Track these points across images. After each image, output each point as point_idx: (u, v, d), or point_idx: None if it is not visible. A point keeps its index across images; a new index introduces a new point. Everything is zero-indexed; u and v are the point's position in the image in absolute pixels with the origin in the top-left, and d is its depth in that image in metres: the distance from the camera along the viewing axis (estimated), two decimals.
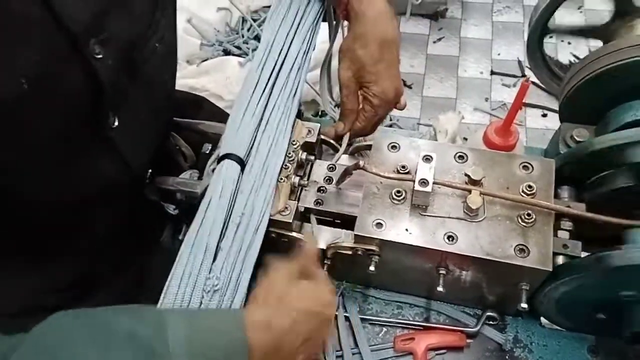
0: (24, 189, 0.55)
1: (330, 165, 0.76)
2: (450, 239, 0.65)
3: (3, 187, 0.52)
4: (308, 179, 0.75)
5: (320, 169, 0.77)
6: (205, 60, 1.89)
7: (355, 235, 0.67)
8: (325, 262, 0.71)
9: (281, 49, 0.75)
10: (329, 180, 0.75)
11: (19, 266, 0.64)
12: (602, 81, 0.72)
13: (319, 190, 0.74)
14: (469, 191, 0.66)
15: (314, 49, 0.80)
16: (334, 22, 0.85)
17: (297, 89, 0.75)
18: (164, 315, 0.48)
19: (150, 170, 0.74)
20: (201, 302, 0.56)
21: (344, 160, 0.79)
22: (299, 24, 0.78)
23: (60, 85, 0.52)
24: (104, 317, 0.47)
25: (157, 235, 0.82)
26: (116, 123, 0.61)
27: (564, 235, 0.67)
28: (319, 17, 0.80)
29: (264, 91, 0.71)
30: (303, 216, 0.73)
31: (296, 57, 0.75)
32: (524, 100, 0.74)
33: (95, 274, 0.70)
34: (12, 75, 0.46)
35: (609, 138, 0.65)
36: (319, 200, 0.74)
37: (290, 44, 0.76)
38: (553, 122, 2.07)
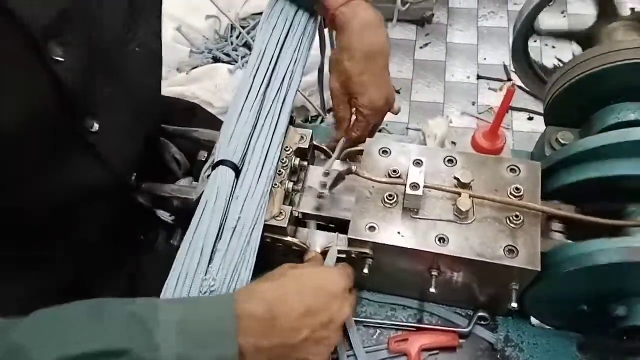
0: (2, 195, 0.54)
1: (325, 172, 0.77)
2: (442, 241, 0.66)
3: None
4: (303, 185, 0.76)
5: (314, 175, 0.78)
6: (195, 67, 1.90)
7: (349, 238, 0.68)
8: None
9: (272, 57, 0.76)
10: (324, 186, 0.76)
11: (3, 272, 0.63)
12: (585, 86, 0.74)
13: (318, 196, 0.75)
14: (459, 194, 0.67)
15: (307, 58, 0.81)
16: (324, 32, 0.87)
17: (289, 96, 0.75)
18: (157, 300, 0.53)
19: (135, 174, 0.73)
20: None
21: (336, 165, 0.80)
22: (288, 32, 0.79)
23: (24, 89, 0.51)
24: (100, 300, 0.51)
25: (151, 241, 0.82)
26: (96, 127, 0.61)
27: (557, 237, 0.69)
28: (310, 25, 0.81)
29: (256, 98, 0.72)
30: (297, 221, 0.74)
31: (288, 65, 0.76)
32: (510, 105, 0.76)
33: (86, 279, 0.70)
34: None
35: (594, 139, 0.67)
36: (318, 207, 0.74)
37: (281, 51, 0.77)
38: (539, 125, 2.10)
